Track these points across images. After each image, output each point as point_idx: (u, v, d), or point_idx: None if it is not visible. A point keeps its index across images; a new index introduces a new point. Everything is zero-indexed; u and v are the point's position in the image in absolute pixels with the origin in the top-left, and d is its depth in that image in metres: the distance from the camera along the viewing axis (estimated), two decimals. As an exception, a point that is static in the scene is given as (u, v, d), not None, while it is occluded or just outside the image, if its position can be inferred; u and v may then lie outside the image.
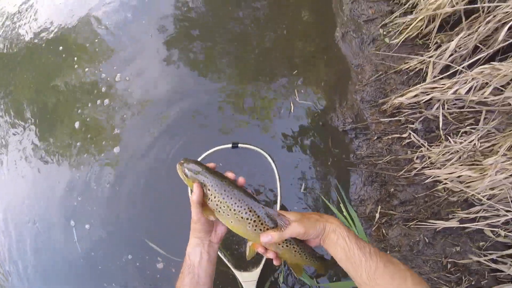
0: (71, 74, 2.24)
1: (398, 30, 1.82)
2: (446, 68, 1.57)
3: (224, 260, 1.42)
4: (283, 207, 1.51)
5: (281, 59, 1.95)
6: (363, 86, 1.76)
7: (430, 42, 1.70)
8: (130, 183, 1.78)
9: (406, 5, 1.87)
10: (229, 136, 1.77)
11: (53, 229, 1.81)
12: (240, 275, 1.37)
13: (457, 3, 1.59)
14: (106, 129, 1.95)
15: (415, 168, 1.47)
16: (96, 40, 2.32)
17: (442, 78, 1.55)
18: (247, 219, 0.83)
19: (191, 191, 0.86)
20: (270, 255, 0.88)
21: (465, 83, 1.46)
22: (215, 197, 0.84)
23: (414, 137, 1.52)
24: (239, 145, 1.48)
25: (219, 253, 1.41)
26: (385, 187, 1.52)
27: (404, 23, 1.80)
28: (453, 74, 1.53)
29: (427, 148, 1.48)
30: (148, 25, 2.26)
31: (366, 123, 1.66)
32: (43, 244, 1.81)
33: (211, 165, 0.90)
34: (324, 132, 1.70)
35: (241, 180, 0.88)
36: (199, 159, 1.45)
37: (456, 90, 1.47)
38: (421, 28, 1.74)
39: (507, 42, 1.43)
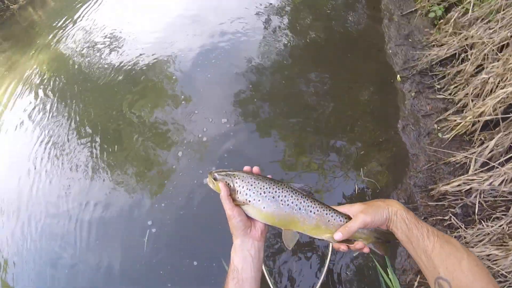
0: (139, 107, 3.38)
1: (450, 127, 2.42)
2: (486, 163, 2.10)
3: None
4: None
5: (349, 142, 2.70)
6: (416, 173, 2.37)
7: (475, 139, 2.26)
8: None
9: (458, 104, 2.48)
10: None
11: (130, 222, 2.59)
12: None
13: (494, 111, 2.16)
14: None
15: (452, 246, 1.98)
16: (168, 84, 3.52)
17: (481, 172, 2.08)
18: (279, 197, 0.97)
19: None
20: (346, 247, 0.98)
21: (499, 176, 1.98)
22: (243, 187, 0.98)
23: (454, 220, 2.05)
24: None
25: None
26: (427, 260, 2.04)
27: (455, 121, 2.41)
28: (491, 168, 2.05)
29: (464, 230, 1.98)
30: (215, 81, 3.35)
31: (416, 205, 2.25)
32: (115, 231, 2.56)
33: (246, 168, 1.05)
34: None
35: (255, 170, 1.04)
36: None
37: (491, 182, 1.99)
38: (468, 127, 2.32)
39: None
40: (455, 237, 1.99)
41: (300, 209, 0.97)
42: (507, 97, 2.16)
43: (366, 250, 0.99)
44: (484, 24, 2.71)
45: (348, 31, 3.70)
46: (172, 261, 2.36)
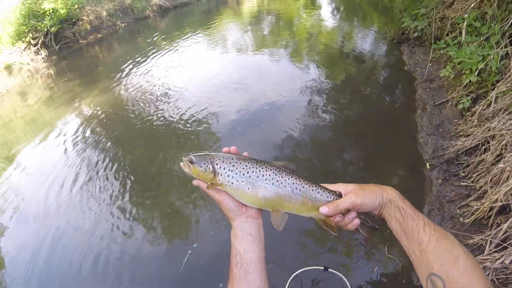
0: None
1: (471, 212, 2.99)
2: (499, 244, 2.62)
3: None
4: None
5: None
6: (441, 254, 2.91)
7: (491, 223, 2.80)
8: None
9: (479, 191, 3.08)
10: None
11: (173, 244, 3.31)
12: None
13: (507, 198, 2.74)
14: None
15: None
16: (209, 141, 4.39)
17: (495, 252, 2.60)
18: (263, 176, 1.02)
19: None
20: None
21: (509, 255, 2.49)
22: (224, 169, 1.03)
23: (472, 298, 2.53)
24: (329, 269, 2.67)
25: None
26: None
27: (475, 206, 2.98)
28: (504, 248, 2.57)
29: (480, 308, 2.45)
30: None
31: (439, 284, 2.76)
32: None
33: (225, 149, 1.13)
34: (403, 286, 2.85)
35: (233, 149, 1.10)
36: (290, 279, 2.74)
37: (503, 260, 2.50)
38: (486, 212, 2.88)
39: None
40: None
41: (285, 187, 1.03)
42: (519, 185, 2.75)
43: (351, 227, 1.06)
44: (505, 115, 3.39)
45: (385, 117, 4.54)
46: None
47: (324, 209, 1.03)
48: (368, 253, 3.07)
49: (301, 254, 3.18)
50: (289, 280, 2.64)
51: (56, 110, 6.57)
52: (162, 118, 5.48)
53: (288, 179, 1.05)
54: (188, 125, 5.15)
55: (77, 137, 5.45)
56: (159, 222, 3.68)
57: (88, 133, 5.50)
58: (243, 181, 1.04)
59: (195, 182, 1.10)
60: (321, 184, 1.09)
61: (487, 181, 3.05)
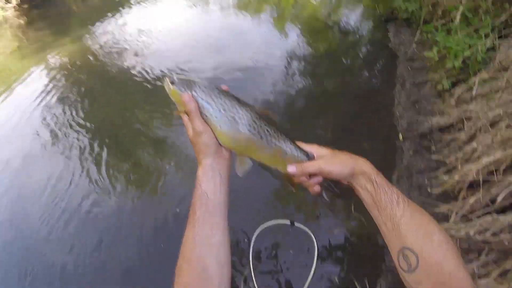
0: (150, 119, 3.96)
1: (439, 184, 2.93)
2: (464, 215, 2.57)
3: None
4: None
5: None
6: (404, 219, 2.84)
7: (459, 195, 2.75)
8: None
9: (449, 166, 3.02)
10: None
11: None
12: None
13: (478, 175, 2.69)
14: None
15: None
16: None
17: (460, 222, 2.55)
18: (240, 119, 0.94)
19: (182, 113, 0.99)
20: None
21: (474, 227, 2.44)
22: (203, 99, 0.94)
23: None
24: (295, 224, 2.56)
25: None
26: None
27: (444, 180, 2.92)
28: (469, 220, 2.52)
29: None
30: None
31: (399, 247, 2.69)
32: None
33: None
34: (368, 243, 2.76)
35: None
36: (256, 232, 2.54)
37: (467, 231, 2.45)
38: (454, 186, 2.83)
39: (508, 201, 2.43)
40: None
41: (261, 137, 0.97)
42: (490, 164, 2.70)
43: (312, 191, 1.02)
44: (484, 101, 3.34)
45: (363, 89, 4.38)
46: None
47: (291, 168, 0.98)
48: (334, 210, 2.94)
49: (266, 208, 3.04)
50: (255, 234, 2.51)
51: (24, 61, 5.91)
52: (136, 71, 5.05)
53: (266, 128, 0.98)
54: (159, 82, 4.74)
55: (46, 89, 4.92)
56: (131, 177, 3.47)
57: (57, 85, 4.99)
58: (216, 117, 0.95)
59: (185, 96, 0.96)
60: (296, 142, 1.03)
61: (458, 158, 2.99)
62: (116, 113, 4.31)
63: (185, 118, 0.99)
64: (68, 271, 2.65)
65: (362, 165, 0.97)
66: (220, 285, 0.89)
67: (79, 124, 4.15)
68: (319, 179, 1.01)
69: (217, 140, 0.97)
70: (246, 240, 2.72)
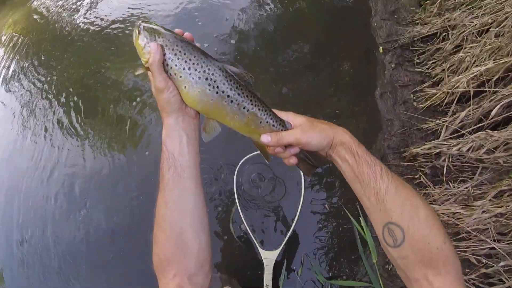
0: (115, 71, 3.42)
1: (425, 98, 2.73)
2: (456, 131, 2.42)
3: (252, 236, 2.19)
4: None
5: (328, 106, 2.90)
6: (390, 136, 2.64)
7: (448, 111, 2.58)
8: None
9: (434, 79, 2.80)
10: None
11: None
12: (263, 253, 2.12)
13: (468, 86, 2.49)
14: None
15: (419, 202, 2.26)
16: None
17: (451, 138, 2.40)
18: (209, 79, 0.82)
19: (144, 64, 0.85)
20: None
21: (467, 143, 2.30)
22: (167, 54, 0.82)
23: (423, 178, 2.34)
24: None
25: (247, 228, 2.15)
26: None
27: (430, 92, 2.72)
28: (461, 136, 2.37)
29: (432, 188, 2.28)
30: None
31: (388, 164, 2.52)
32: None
33: (177, 30, 0.88)
34: None
35: (188, 35, 0.88)
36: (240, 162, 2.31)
37: (459, 148, 2.30)
38: (442, 99, 2.64)
39: (501, 116, 2.27)
40: (423, 194, 2.27)
41: (232, 102, 0.85)
42: (481, 74, 2.50)
43: (288, 162, 0.95)
44: (467, 9, 3.07)
45: (335, 3, 3.88)
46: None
47: (266, 138, 0.89)
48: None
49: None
50: (238, 165, 2.31)
51: None
52: (93, 26, 4.07)
53: (239, 93, 0.84)
54: (122, 31, 3.91)
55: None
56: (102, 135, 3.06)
57: (10, 59, 4.16)
58: (181, 76, 0.82)
59: (152, 45, 0.81)
60: (272, 109, 0.92)
61: (444, 69, 2.79)
62: (81, 73, 3.59)
63: (149, 73, 0.87)
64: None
65: (342, 135, 0.89)
66: (199, 252, 0.86)
67: (46, 93, 3.53)
68: (295, 150, 0.94)
69: (181, 98, 0.86)
70: (229, 173, 2.42)
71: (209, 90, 0.83)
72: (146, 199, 2.51)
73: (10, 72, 3.94)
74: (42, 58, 3.92)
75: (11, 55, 4.16)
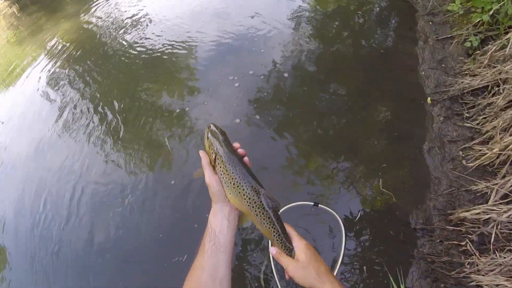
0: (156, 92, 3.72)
1: (475, 156, 2.63)
2: (506, 196, 2.30)
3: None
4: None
5: (371, 154, 2.90)
6: (437, 196, 2.57)
7: (499, 171, 2.46)
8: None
9: (485, 136, 2.70)
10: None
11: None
12: None
13: (520, 147, 2.37)
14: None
15: (464, 272, 2.16)
16: (185, 72, 3.87)
17: (501, 203, 2.29)
18: (244, 195, 1.05)
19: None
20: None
21: (518, 210, 2.18)
22: (220, 167, 1.07)
23: (470, 246, 2.24)
24: (319, 205, 2.36)
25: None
26: (436, 283, 2.22)
27: (480, 151, 2.61)
28: (511, 201, 2.26)
29: (478, 258, 2.17)
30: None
31: (433, 227, 2.44)
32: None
33: (236, 145, 1.14)
34: (398, 223, 2.52)
35: (241, 151, 1.13)
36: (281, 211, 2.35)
37: (510, 215, 2.19)
38: (493, 159, 2.52)
39: None
40: (468, 263, 2.18)
41: (257, 215, 1.07)
42: (535, 135, 2.38)
43: (287, 276, 1.11)
44: (519, 61, 2.94)
45: (379, 48, 3.92)
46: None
47: (272, 250, 1.13)
48: (360, 187, 2.67)
49: (288, 189, 2.83)
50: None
51: (22, 47, 5.61)
52: (138, 46, 4.62)
53: (266, 214, 1.07)
54: (165, 55, 4.38)
55: (46, 70, 4.75)
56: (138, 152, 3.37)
57: (57, 67, 4.73)
58: (226, 184, 1.08)
59: (201, 153, 1.16)
60: (285, 228, 1.11)
61: (495, 126, 2.67)
62: (121, 88, 4.03)
63: (206, 170, 1.13)
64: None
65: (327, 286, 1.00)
66: None
67: (87, 101, 4.00)
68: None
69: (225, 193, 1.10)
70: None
71: (243, 202, 1.06)
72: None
73: (57, 76, 4.42)
74: (87, 68, 4.39)
75: (59, 62, 4.68)
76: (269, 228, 1.08)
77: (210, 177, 1.09)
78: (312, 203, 2.36)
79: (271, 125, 3.26)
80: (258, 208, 1.07)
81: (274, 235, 1.09)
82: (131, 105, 3.75)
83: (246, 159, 1.14)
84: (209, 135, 1.13)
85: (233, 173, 1.06)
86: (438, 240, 2.37)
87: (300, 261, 1.06)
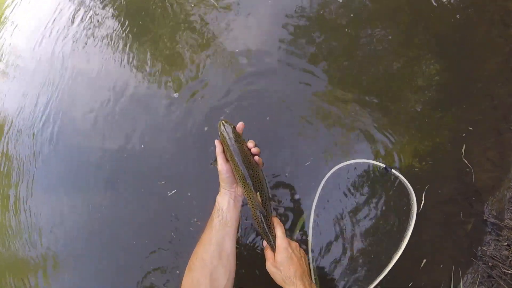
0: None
1: None
2: None
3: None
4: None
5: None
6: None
7: None
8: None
9: None
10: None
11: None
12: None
13: None
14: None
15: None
16: None
17: None
18: (244, 178, 1.27)
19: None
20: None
21: None
22: (227, 152, 1.29)
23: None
24: (392, 170, 1.76)
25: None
26: (491, 294, 1.82)
27: None
28: None
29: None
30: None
31: (503, 224, 1.93)
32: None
33: (250, 144, 1.29)
34: (471, 210, 1.93)
35: (250, 145, 1.30)
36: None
37: None
38: None
39: None
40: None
41: (252, 208, 1.31)
42: None
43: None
44: None
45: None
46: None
47: (264, 242, 1.34)
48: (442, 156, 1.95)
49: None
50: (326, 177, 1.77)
51: None
52: None
53: (255, 214, 1.29)
54: None
55: None
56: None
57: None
58: (235, 172, 1.29)
59: (216, 142, 1.31)
60: (275, 226, 1.31)
61: None
62: None
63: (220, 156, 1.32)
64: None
65: None
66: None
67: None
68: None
69: (233, 178, 1.31)
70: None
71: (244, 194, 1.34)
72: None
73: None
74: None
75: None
76: (259, 224, 1.31)
77: (221, 165, 1.27)
78: (384, 165, 1.79)
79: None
80: (252, 206, 1.30)
81: (262, 232, 1.31)
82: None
83: (257, 158, 1.30)
84: (222, 128, 1.30)
85: (238, 167, 1.27)
86: (505, 243, 1.89)
87: (275, 260, 1.22)
